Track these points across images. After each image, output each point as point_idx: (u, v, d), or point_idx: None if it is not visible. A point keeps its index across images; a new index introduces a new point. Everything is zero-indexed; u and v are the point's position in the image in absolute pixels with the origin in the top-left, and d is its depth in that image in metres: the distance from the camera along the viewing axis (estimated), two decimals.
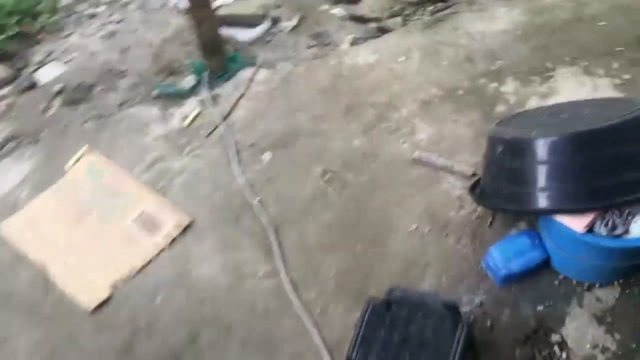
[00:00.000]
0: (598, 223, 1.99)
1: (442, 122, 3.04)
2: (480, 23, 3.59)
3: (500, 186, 2.21)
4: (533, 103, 3.02)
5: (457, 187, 2.71)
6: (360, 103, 3.25)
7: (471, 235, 2.50)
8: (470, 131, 2.96)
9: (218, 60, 3.45)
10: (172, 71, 3.77)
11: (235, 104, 3.38)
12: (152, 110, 3.50)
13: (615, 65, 3.14)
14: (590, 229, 1.99)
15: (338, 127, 3.15)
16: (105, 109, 3.60)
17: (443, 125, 3.02)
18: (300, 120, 3.23)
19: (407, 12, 3.93)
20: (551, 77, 3.15)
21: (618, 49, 3.23)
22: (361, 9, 4.01)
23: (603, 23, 3.40)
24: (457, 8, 3.78)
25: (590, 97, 2.97)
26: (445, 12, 3.79)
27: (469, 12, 3.71)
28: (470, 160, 2.82)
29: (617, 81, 3.05)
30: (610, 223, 1.97)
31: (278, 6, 4.19)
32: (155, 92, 3.63)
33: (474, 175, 2.73)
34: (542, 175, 2.04)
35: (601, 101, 2.41)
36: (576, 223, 1.99)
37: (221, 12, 4.03)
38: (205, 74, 3.52)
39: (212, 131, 3.25)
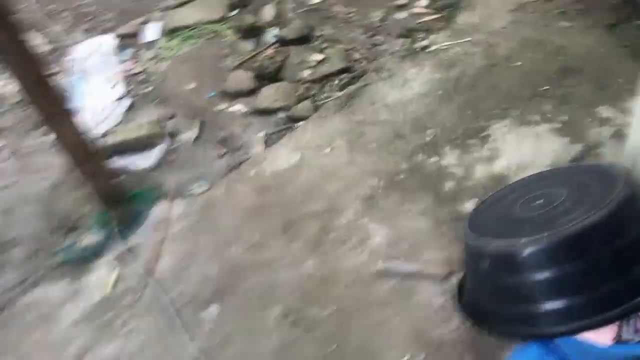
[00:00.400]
0: (625, 328, 1.76)
1: (394, 217, 2.78)
2: (395, 91, 3.40)
3: (498, 307, 1.96)
4: (481, 172, 2.84)
5: (436, 295, 2.45)
6: (297, 216, 2.93)
7: (473, 353, 2.24)
8: (427, 220, 2.72)
9: (123, 207, 3.02)
10: (71, 227, 3.28)
11: (158, 252, 2.95)
12: (61, 285, 2.99)
13: (547, 107, 3.04)
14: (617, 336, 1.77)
15: (281, 252, 2.80)
16: (1, 298, 3.04)
17: (396, 221, 2.76)
18: (236, 254, 2.86)
19: (313, 92, 3.68)
20: (489, 136, 3.00)
21: (543, 88, 3.14)
22: (263, 100, 3.71)
23: (519, 63, 3.31)
24: (365, 79, 3.58)
25: (536, 151, 2.84)
26: (355, 85, 3.56)
27: (379, 80, 3.52)
28: (439, 256, 2.57)
29: (557, 125, 2.94)
30: (637, 324, 1.76)
31: (171, 117, 3.81)
32: (58, 259, 3.12)
33: (450, 274, 2.49)
34: (545, 290, 1.81)
35: (569, 172, 2.23)
36: (601, 336, 1.76)
37: (109, 140, 3.61)
38: (113, 225, 3.06)
39: (140, 295, 2.80)
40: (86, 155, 2.63)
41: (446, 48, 3.57)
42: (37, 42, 4.61)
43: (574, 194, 1.98)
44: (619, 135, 2.81)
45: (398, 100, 3.34)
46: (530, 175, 2.45)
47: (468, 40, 3.57)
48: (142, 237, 3.07)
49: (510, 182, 2.71)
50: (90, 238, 3.13)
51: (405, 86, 3.41)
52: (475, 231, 2.07)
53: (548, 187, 2.14)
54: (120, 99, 4.01)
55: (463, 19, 3.79)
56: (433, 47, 3.60)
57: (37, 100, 2.32)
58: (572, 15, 3.54)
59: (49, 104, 2.34)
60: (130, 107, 3.96)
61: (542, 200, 2.06)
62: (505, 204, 2.19)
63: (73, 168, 2.72)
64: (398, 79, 3.47)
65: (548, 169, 2.63)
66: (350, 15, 4.27)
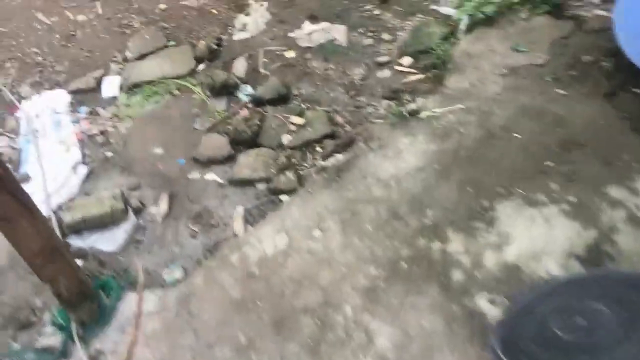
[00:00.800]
0: None
1: (400, 313, 2.59)
2: (388, 163, 3.23)
3: None
4: (490, 260, 2.70)
5: None
6: (289, 311, 2.70)
7: None
8: (437, 317, 2.54)
9: (88, 307, 2.69)
10: (23, 323, 2.92)
11: (129, 359, 2.64)
12: None
13: (553, 185, 2.94)
14: None
15: (273, 355, 2.55)
16: None
17: (403, 318, 2.57)
18: (222, 358, 2.58)
19: (295, 160, 3.47)
20: (494, 218, 2.86)
21: (547, 163, 3.03)
22: (240, 170, 3.47)
23: (518, 135, 3.21)
24: (354, 149, 3.39)
25: (547, 237, 2.72)
26: (342, 155, 3.37)
27: (370, 151, 3.34)
28: None
29: (566, 207, 2.83)
30: None
31: (136, 188, 3.51)
32: None
33: None
34: None
35: (604, 281, 2.09)
36: None
37: (66, 218, 3.28)
38: (74, 326, 2.73)
39: None
40: (48, 259, 2.31)
41: (438, 115, 3.43)
42: None
43: (621, 315, 1.84)
44: (634, 220, 2.72)
45: (392, 174, 3.16)
46: (559, 280, 2.32)
47: (461, 107, 3.45)
48: (108, 340, 2.75)
49: (525, 276, 2.58)
50: (46, 339, 2.78)
51: (398, 158, 3.25)
52: (512, 357, 1.89)
53: (585, 300, 1.99)
54: (76, 165, 3.68)
55: (452, 82, 3.68)
56: (424, 114, 3.46)
57: None
58: (567, 82, 3.48)
59: (4, 206, 2.02)
60: (89, 175, 3.63)
61: (583, 319, 1.91)
62: (538, 319, 2.02)
63: (34, 273, 2.38)
64: (390, 150, 3.30)
65: (577, 274, 2.49)
66: (329, 71, 4.11)
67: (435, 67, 3.85)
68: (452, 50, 3.92)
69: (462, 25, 4.08)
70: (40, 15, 4.90)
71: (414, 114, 3.51)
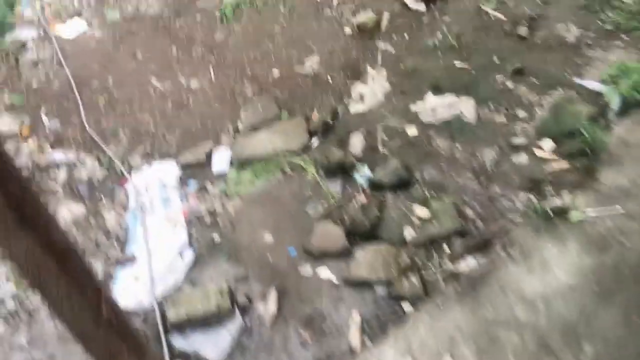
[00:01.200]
0: None
1: None
2: (532, 277, 2.81)
3: None
4: None
5: None
6: None
7: None
8: None
9: None
10: None
11: None
12: None
13: None
14: None
15: None
16: None
17: None
18: None
19: (419, 260, 3.13)
20: None
21: None
22: (357, 268, 3.17)
23: None
24: (490, 254, 2.99)
25: None
26: (475, 260, 2.99)
27: (509, 260, 2.93)
28: None
29: None
30: None
31: (243, 280, 3.29)
32: None
33: None
34: None
35: None
36: None
37: (170, 314, 3.09)
38: None
39: None
40: None
41: (592, 219, 2.97)
42: (89, 164, 4.23)
43: None
44: None
45: (538, 292, 2.74)
46: None
47: (620, 210, 2.98)
48: None
49: None
50: None
51: (545, 271, 2.81)
52: None
53: None
54: (182, 248, 3.52)
55: (607, 176, 3.21)
56: (574, 215, 3.01)
57: (94, 347, 1.81)
58: None
59: (110, 346, 1.83)
60: (195, 261, 3.46)
61: None
62: None
63: None
64: (535, 260, 2.88)
65: None
66: (456, 153, 3.74)
67: (583, 154, 3.39)
68: (605, 135, 3.44)
69: (614, 106, 3.60)
70: (154, 80, 4.90)
71: (560, 213, 3.07)
